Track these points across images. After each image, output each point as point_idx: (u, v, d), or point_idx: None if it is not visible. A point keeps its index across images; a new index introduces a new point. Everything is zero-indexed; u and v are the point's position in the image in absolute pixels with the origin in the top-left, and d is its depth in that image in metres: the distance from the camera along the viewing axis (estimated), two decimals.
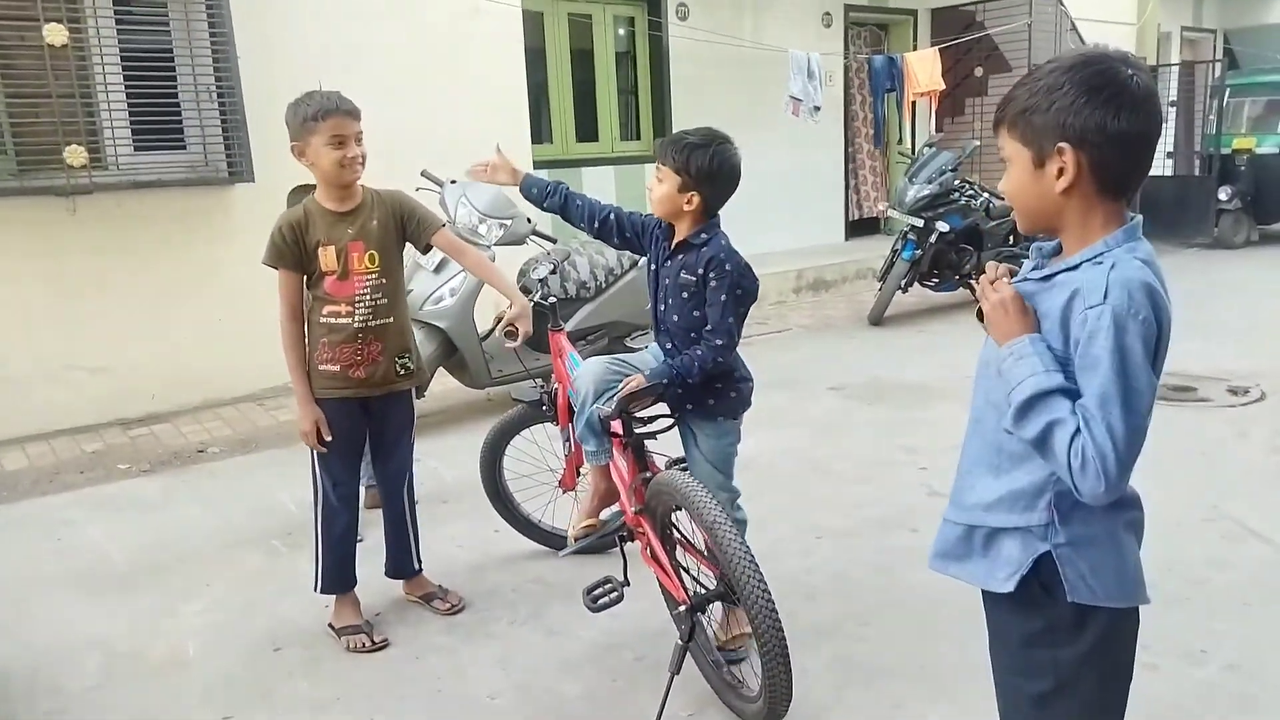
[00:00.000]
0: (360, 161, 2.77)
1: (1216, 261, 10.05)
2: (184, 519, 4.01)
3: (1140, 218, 1.47)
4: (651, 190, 2.54)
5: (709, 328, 2.50)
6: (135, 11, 5.37)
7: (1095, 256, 1.41)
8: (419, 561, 3.16)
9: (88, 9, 4.99)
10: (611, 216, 2.72)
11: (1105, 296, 1.34)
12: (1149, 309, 1.34)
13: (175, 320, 5.47)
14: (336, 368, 2.82)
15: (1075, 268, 1.43)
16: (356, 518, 3.03)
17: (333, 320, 2.80)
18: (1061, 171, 1.40)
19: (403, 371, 2.93)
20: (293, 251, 2.78)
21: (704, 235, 2.52)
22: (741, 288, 2.52)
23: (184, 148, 5.51)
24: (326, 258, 2.77)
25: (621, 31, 8.83)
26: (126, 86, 5.22)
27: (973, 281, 7.04)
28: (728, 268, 2.48)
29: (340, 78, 5.42)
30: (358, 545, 3.09)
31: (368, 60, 5.82)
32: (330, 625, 2.97)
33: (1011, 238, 8.16)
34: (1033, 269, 1.52)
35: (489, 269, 3.15)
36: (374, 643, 2.89)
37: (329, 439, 2.84)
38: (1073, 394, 1.37)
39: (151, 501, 4.25)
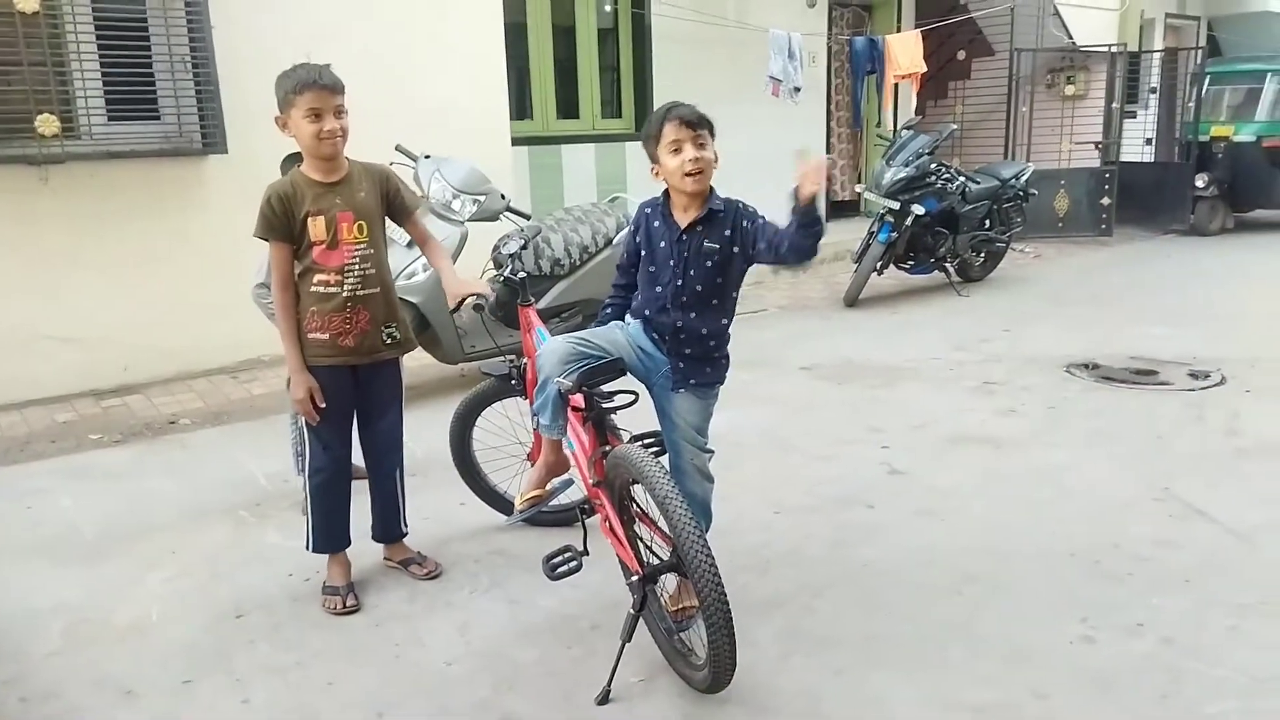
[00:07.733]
0: (340, 134, 2.80)
1: (1191, 248, 10.16)
2: (153, 489, 4.04)
3: None
4: (699, 159, 2.53)
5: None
6: None
7: None
8: (406, 525, 3.24)
9: None
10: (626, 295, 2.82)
11: None
12: None
13: (148, 291, 5.47)
14: (325, 336, 2.87)
15: None
16: (349, 482, 3.08)
17: (322, 289, 2.85)
18: None
19: (389, 340, 2.99)
20: (282, 223, 2.81)
21: (712, 205, 2.63)
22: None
23: (158, 118, 5.49)
24: (316, 228, 2.81)
25: (605, 8, 8.80)
26: (100, 55, 5.19)
27: (948, 265, 7.16)
28: (752, 209, 2.71)
29: (315, 49, 5.47)
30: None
31: (344, 32, 5.80)
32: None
33: (987, 221, 8.22)
34: None
35: (443, 261, 3.16)
36: (344, 606, 2.96)
37: (323, 406, 2.90)
38: None
39: (122, 471, 4.28)
